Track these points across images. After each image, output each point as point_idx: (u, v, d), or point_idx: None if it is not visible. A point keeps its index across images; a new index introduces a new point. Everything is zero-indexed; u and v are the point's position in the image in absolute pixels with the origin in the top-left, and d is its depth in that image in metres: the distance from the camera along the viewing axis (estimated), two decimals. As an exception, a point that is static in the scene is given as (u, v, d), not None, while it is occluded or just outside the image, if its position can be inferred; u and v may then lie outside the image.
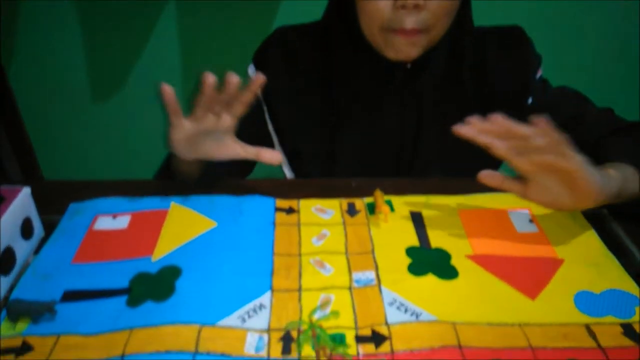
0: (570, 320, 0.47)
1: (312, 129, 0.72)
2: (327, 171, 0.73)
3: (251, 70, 0.73)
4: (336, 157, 0.72)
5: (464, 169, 0.73)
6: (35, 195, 0.56)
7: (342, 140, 0.71)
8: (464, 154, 0.73)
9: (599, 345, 0.44)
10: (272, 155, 0.59)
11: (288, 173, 0.76)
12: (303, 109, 0.72)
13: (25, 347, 0.43)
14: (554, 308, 0.48)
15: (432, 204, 0.62)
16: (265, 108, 0.73)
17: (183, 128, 0.57)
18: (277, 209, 0.60)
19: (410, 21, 0.59)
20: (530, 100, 0.70)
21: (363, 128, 0.71)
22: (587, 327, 0.46)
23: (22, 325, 0.45)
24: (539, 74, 0.70)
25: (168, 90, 0.54)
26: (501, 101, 0.69)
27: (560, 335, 0.45)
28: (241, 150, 0.60)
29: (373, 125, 0.71)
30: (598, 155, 0.64)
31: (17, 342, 0.44)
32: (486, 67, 0.69)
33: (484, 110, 0.70)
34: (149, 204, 0.61)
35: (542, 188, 0.53)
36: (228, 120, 0.58)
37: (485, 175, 0.53)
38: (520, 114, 0.70)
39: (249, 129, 0.75)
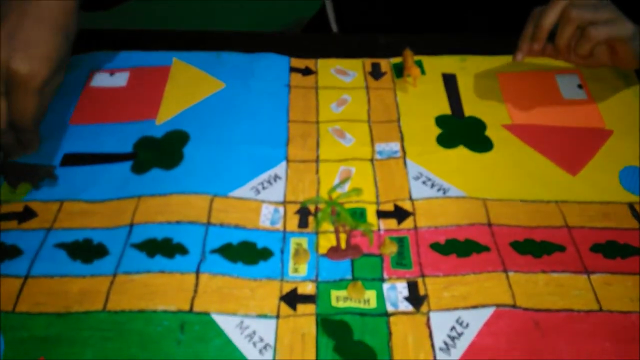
0: (612, 199, 0.43)
1: None
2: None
3: None
4: None
5: (508, 25, 0.64)
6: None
7: None
8: (510, 7, 0.63)
9: (642, 226, 0.41)
10: None
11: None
12: None
13: (29, 213, 0.41)
14: (596, 184, 0.44)
15: (469, 66, 0.54)
16: None
17: None
18: (292, 69, 0.54)
19: None
20: None
21: None
22: (631, 207, 0.42)
23: (22, 191, 0.43)
24: None
25: None
26: None
27: (601, 215, 0.42)
28: None
29: None
30: None
31: (19, 208, 0.42)
32: None
33: None
34: (149, 59, 0.54)
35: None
36: None
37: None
38: None
39: None
